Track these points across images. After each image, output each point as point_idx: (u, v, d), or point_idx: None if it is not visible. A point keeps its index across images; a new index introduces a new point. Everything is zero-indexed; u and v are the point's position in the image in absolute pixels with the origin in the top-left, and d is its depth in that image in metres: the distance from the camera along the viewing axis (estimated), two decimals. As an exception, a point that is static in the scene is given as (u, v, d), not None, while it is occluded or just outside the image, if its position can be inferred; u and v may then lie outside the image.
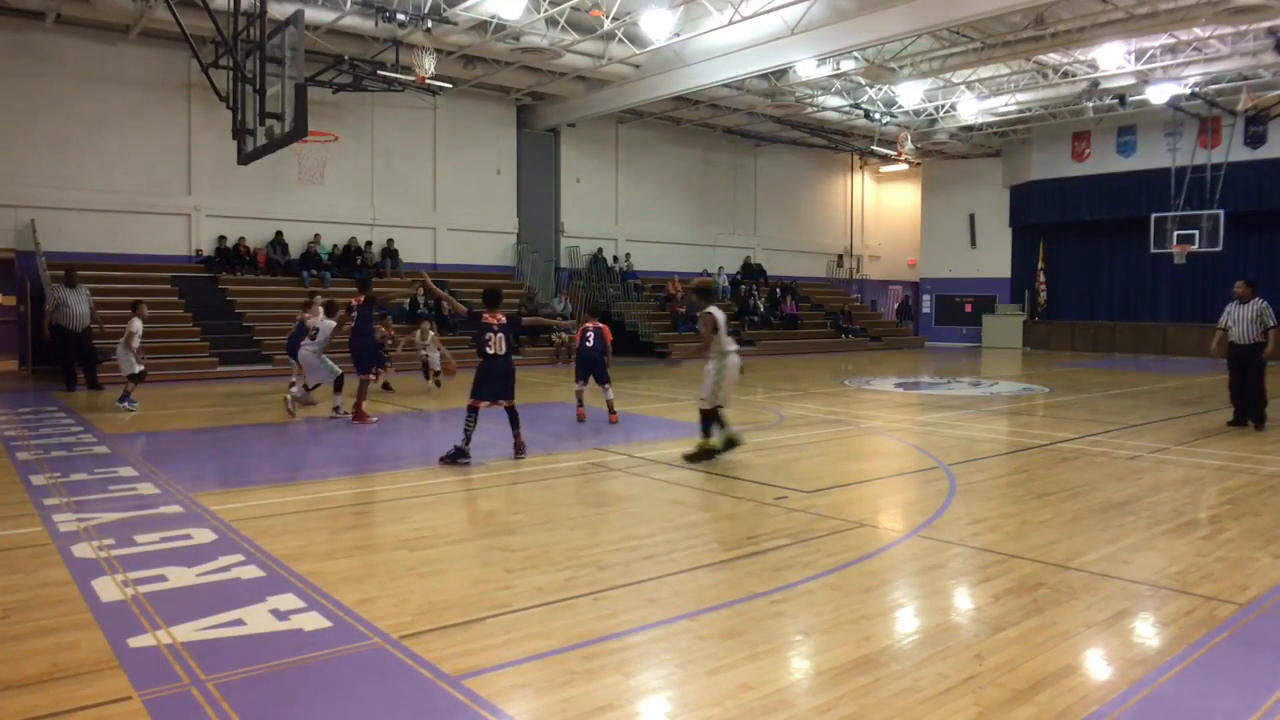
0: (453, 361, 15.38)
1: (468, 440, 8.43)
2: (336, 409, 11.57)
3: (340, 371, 11.76)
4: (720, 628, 4.22)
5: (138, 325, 12.61)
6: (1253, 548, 5.67)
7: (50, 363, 16.21)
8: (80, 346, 14.88)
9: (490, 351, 8.47)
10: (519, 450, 8.83)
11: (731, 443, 8.52)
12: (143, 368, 12.90)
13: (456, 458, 8.36)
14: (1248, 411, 11.03)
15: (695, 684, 3.60)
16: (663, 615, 4.39)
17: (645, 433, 10.92)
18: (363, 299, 11.45)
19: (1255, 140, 24.95)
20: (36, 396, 13.83)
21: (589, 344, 11.57)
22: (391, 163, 23.06)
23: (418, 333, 16.02)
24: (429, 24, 17.60)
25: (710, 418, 8.45)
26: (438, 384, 15.56)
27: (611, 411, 11.48)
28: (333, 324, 11.86)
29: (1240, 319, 10.83)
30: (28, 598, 4.58)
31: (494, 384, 8.55)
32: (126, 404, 12.50)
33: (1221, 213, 24.19)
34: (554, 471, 8.29)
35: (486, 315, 8.52)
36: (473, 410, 8.50)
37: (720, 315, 8.43)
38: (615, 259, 27.22)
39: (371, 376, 11.64)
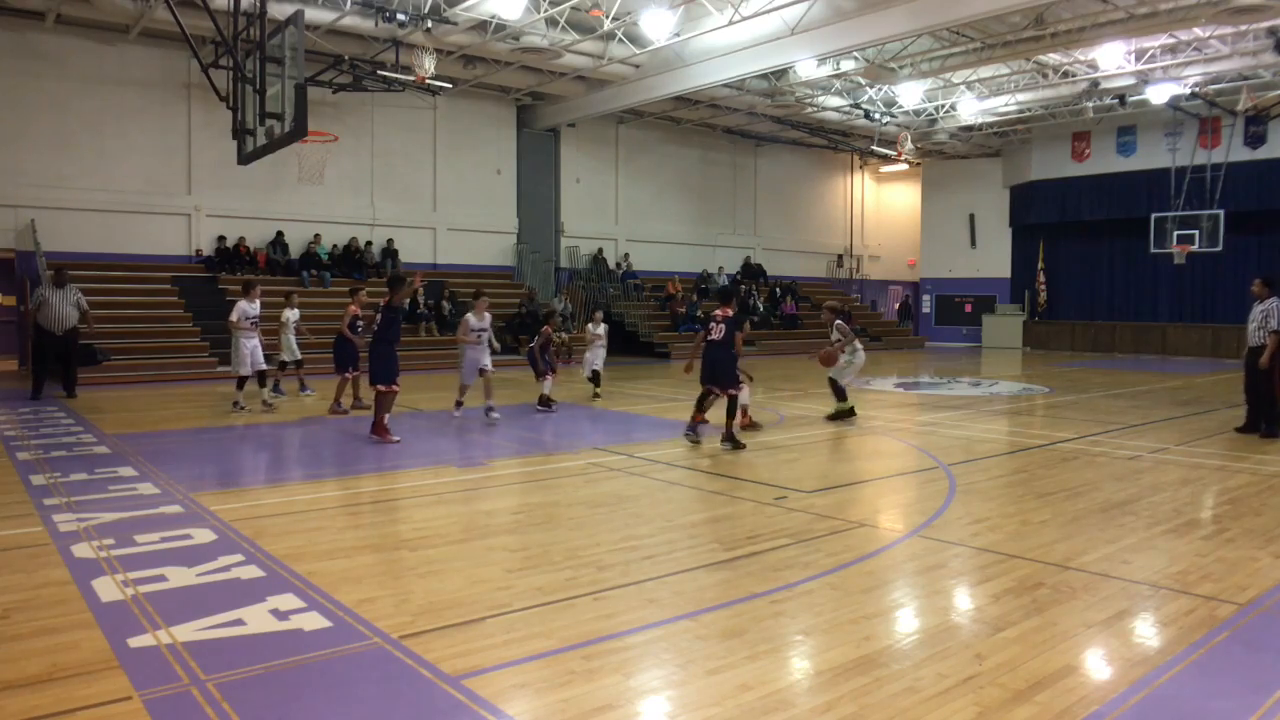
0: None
1: (694, 420, 9.68)
2: (236, 404, 12.14)
3: (246, 372, 12.00)
4: (720, 628, 4.22)
5: (287, 315, 13.47)
6: (1253, 548, 5.67)
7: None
8: (63, 349, 13.77)
9: (710, 339, 9.57)
10: (729, 440, 9.28)
11: (851, 412, 11.70)
12: (285, 359, 13.57)
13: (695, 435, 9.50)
14: (1259, 417, 10.58)
15: (695, 684, 3.60)
16: (663, 615, 4.39)
17: (645, 433, 10.92)
18: (388, 299, 10.12)
19: (1255, 140, 24.95)
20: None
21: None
22: (391, 163, 23.06)
23: (590, 325, 14.78)
24: (429, 24, 17.59)
25: (840, 389, 11.68)
26: (599, 395, 14.32)
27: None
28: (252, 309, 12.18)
29: (1252, 319, 10.47)
30: (28, 598, 4.58)
31: (704, 369, 9.61)
32: (277, 393, 13.38)
33: (1221, 213, 24.19)
34: (554, 471, 8.29)
35: (720, 310, 9.70)
36: (703, 394, 9.64)
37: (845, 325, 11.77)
38: (618, 265, 27.18)
39: (396, 388, 9.99)
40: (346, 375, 12.46)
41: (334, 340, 12.61)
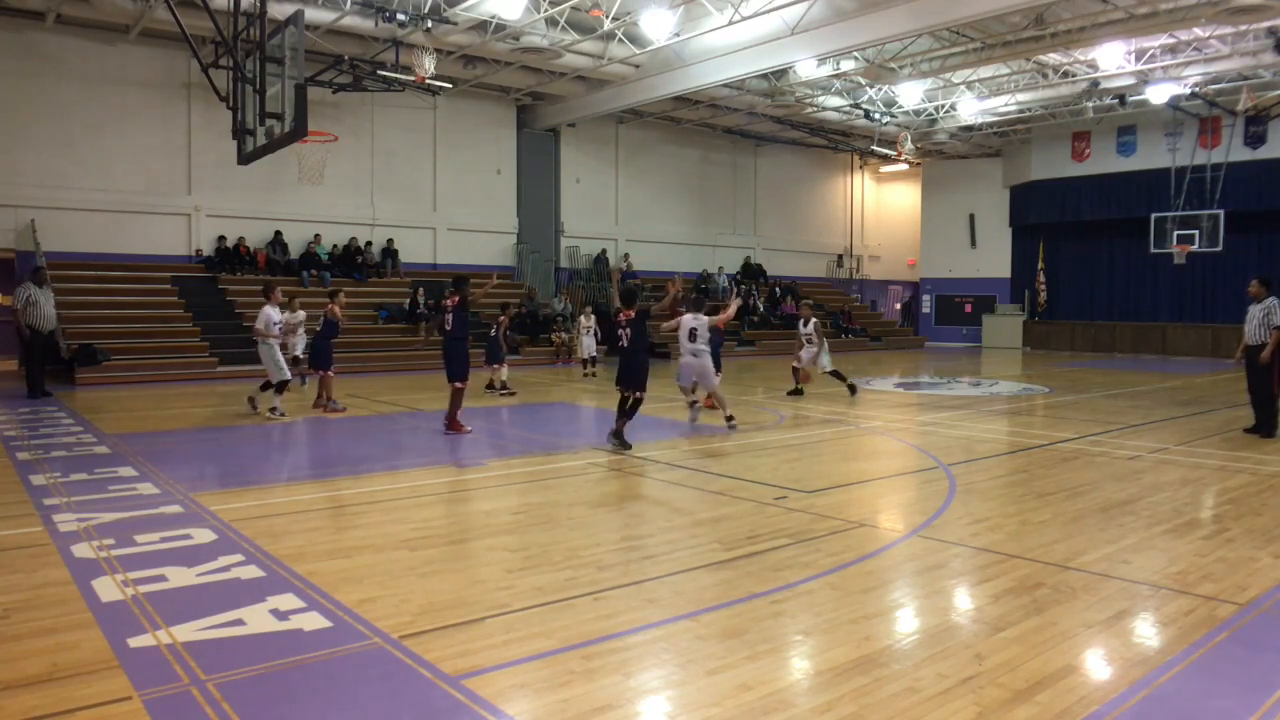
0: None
1: (618, 425, 9.46)
2: (274, 409, 11.55)
3: (287, 376, 11.75)
4: (720, 628, 4.22)
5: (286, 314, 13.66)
6: (1253, 548, 5.67)
7: (50, 363, 16.12)
8: (46, 349, 13.90)
9: (621, 345, 9.57)
10: (616, 436, 9.40)
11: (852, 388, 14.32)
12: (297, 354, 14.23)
13: (617, 443, 9.30)
14: (1265, 416, 10.56)
15: (695, 684, 3.60)
16: (663, 615, 4.39)
17: (645, 433, 10.91)
18: (456, 299, 10.51)
19: (1255, 140, 24.97)
20: (43, 396, 13.80)
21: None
22: (391, 163, 23.06)
23: (582, 317, 18.21)
24: (429, 24, 17.59)
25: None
26: (593, 374, 17.82)
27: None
28: (282, 318, 12.00)
29: (1251, 319, 10.51)
30: (28, 598, 4.58)
31: (623, 374, 9.56)
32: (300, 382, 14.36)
33: (1221, 213, 24.20)
34: (554, 471, 8.28)
35: (622, 313, 9.54)
36: (620, 401, 9.52)
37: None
38: (620, 272, 27.11)
39: (462, 384, 10.53)
40: (328, 374, 12.48)
41: (311, 340, 12.70)
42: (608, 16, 17.81)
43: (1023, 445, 9.99)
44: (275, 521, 6.22)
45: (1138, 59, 20.78)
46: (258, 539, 5.67)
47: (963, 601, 4.72)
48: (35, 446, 9.18)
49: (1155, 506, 6.84)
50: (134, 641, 3.97)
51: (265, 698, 3.47)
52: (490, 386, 14.57)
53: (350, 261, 21.88)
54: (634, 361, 9.43)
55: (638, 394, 9.40)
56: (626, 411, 9.45)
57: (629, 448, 9.23)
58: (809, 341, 14.22)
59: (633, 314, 9.44)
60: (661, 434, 10.67)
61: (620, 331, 9.49)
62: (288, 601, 4.50)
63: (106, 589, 4.68)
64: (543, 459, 8.91)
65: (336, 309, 12.52)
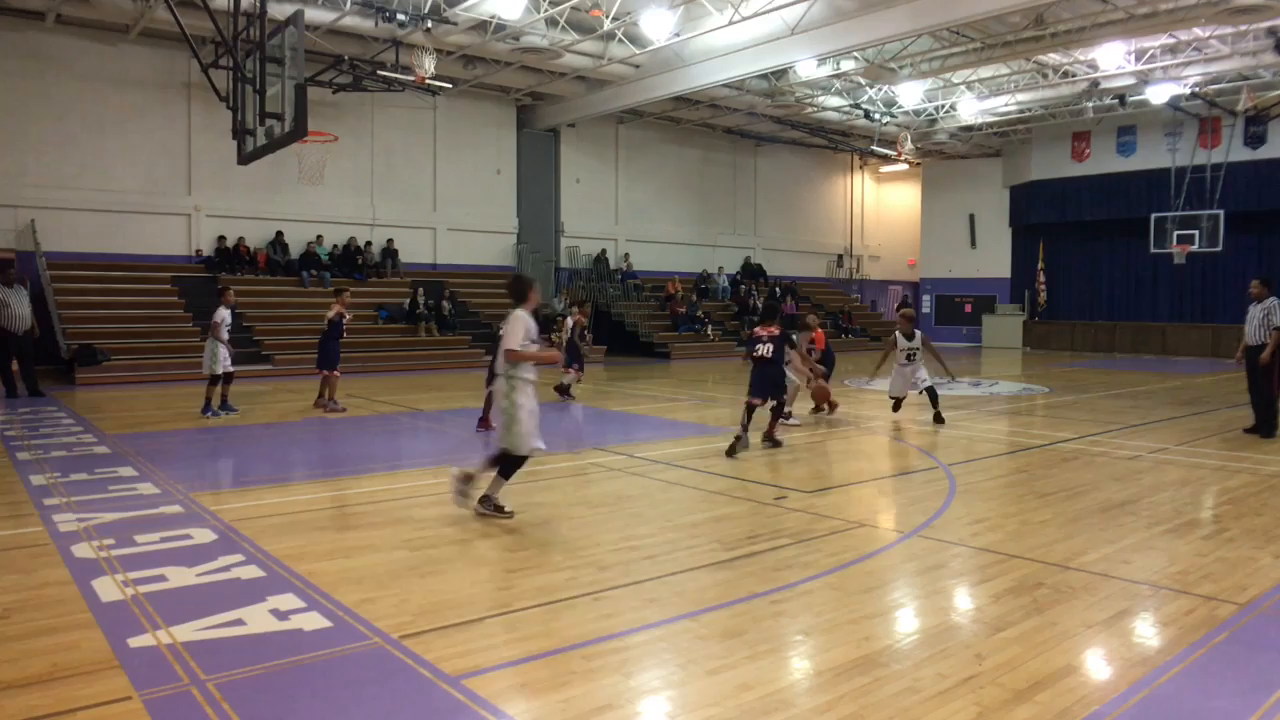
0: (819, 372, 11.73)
1: (744, 429, 9.30)
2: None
3: (218, 371, 11.47)
4: (720, 628, 4.21)
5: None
6: (1253, 548, 5.67)
7: (50, 363, 16.16)
8: (21, 350, 13.82)
9: (758, 355, 9.49)
10: (766, 438, 9.47)
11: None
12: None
13: (737, 447, 9.09)
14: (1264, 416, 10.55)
15: (695, 684, 3.60)
16: (663, 615, 4.39)
17: (645, 433, 10.91)
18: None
19: (1255, 140, 24.96)
20: (35, 396, 13.81)
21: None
22: (391, 163, 23.06)
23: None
24: (429, 24, 17.59)
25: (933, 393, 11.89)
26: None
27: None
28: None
29: (1251, 319, 10.50)
30: (28, 598, 4.58)
31: (759, 385, 9.45)
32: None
33: (1221, 213, 24.21)
34: (554, 471, 8.28)
35: (763, 327, 9.65)
36: (748, 407, 9.43)
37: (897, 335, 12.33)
38: (620, 272, 27.13)
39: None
40: (333, 374, 12.41)
41: (319, 340, 12.55)
42: (608, 16, 17.82)
43: (1023, 445, 9.99)
44: (275, 521, 6.22)
45: (1138, 59, 20.79)
46: (258, 539, 5.67)
47: (963, 601, 4.72)
48: (35, 446, 9.18)
49: (1155, 506, 6.84)
50: (134, 641, 3.97)
51: (265, 698, 3.47)
52: (559, 389, 13.70)
53: (350, 262, 21.88)
54: (770, 372, 9.51)
55: (773, 402, 9.52)
56: (776, 413, 9.64)
57: (779, 444, 9.50)
58: (910, 358, 12.06)
59: (775, 330, 9.57)
60: (661, 434, 10.67)
61: (761, 346, 9.51)
62: (288, 601, 4.50)
63: (106, 589, 4.68)
64: (543, 459, 8.88)
65: (340, 307, 12.43)
